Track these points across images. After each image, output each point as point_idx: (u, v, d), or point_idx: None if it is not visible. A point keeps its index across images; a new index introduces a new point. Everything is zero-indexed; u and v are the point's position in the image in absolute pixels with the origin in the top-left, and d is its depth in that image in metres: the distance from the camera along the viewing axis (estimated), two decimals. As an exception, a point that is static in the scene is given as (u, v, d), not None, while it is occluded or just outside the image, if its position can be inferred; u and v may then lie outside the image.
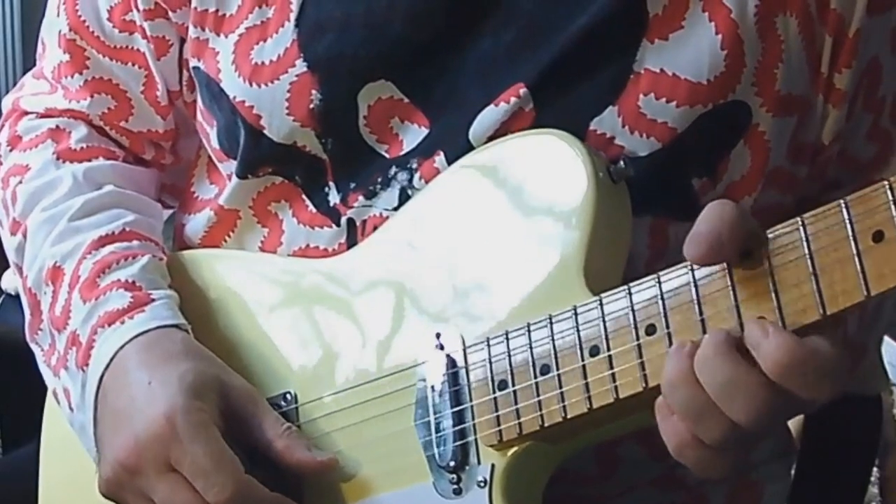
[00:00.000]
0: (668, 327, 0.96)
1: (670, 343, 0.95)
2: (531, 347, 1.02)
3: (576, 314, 1.01)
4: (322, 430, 1.12)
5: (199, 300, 1.21)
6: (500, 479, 1.04)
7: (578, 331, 1.00)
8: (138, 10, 1.25)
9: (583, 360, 1.00)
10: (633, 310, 0.97)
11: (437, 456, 1.06)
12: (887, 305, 1.26)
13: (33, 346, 1.25)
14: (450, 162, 1.12)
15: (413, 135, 1.14)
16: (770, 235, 0.92)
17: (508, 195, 1.08)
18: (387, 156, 1.15)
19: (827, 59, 1.12)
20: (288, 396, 1.14)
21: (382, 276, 1.12)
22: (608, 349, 0.98)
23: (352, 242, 1.16)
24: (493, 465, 1.04)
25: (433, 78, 1.14)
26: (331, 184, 1.17)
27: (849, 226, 0.88)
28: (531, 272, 1.05)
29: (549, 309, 1.02)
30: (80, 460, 1.19)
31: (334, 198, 1.17)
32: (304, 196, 1.19)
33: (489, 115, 1.11)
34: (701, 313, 0.94)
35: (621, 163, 1.06)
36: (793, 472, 1.36)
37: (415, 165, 1.13)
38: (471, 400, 1.05)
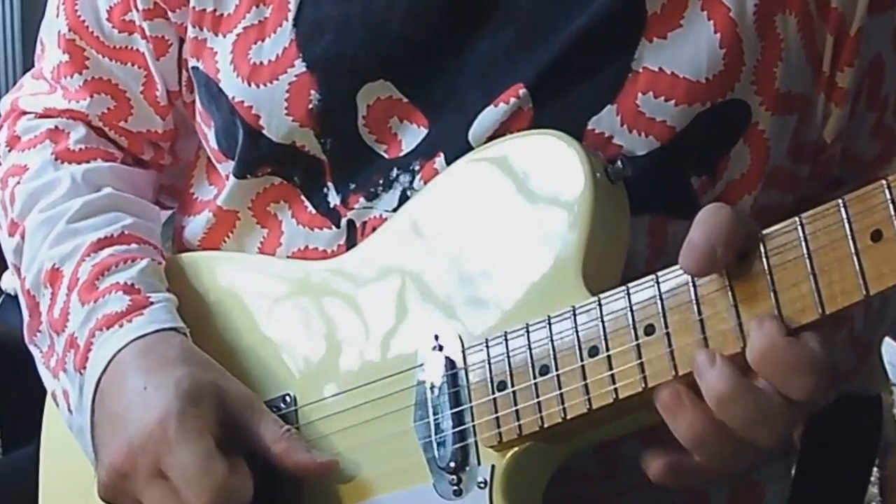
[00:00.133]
0: (666, 327, 0.96)
1: (669, 343, 0.95)
2: (530, 348, 1.02)
3: (574, 315, 1.00)
4: (321, 431, 1.12)
5: (198, 303, 1.21)
6: (501, 480, 1.04)
7: (577, 331, 1.00)
8: (137, 11, 1.25)
9: (582, 360, 0.99)
10: (631, 310, 0.97)
11: (437, 457, 1.06)
12: (893, 302, 1.26)
13: (32, 348, 1.25)
14: (449, 163, 1.12)
15: (412, 135, 1.14)
16: (768, 235, 0.92)
17: (506, 196, 1.08)
18: (386, 156, 1.15)
19: (828, 57, 1.12)
20: (287, 398, 1.14)
21: (381, 278, 1.12)
22: (607, 350, 0.98)
23: (351, 244, 1.16)
24: (493, 466, 1.04)
25: (432, 78, 1.14)
26: (329, 184, 1.17)
27: (847, 225, 0.88)
28: (529, 273, 1.05)
29: (547, 310, 1.02)
30: (79, 461, 1.19)
31: (334, 199, 1.17)
32: (302, 197, 1.19)
33: (488, 116, 1.11)
34: (700, 313, 0.94)
35: (619, 163, 1.06)
36: (793, 472, 1.36)
37: (417, 167, 1.13)
38: (470, 401, 1.05)
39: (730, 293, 0.93)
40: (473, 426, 1.04)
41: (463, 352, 1.06)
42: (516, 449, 1.04)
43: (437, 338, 1.07)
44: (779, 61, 1.11)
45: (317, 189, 1.18)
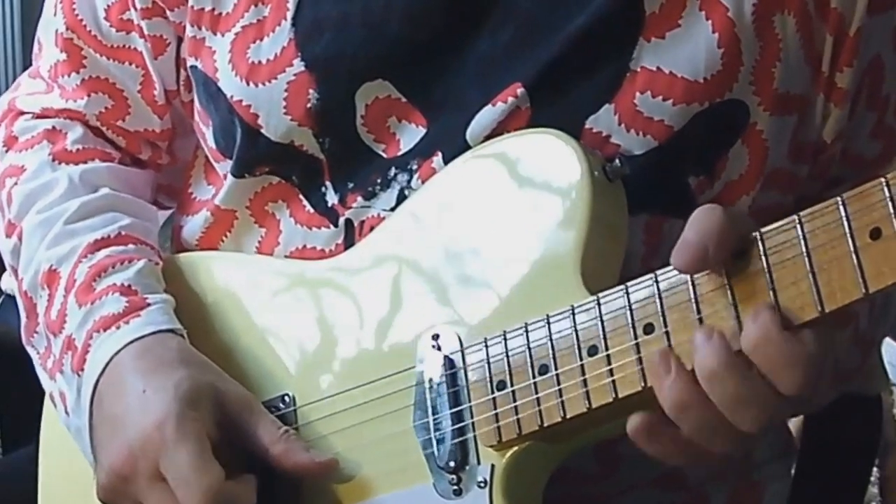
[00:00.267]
0: (665, 326, 0.96)
1: (668, 342, 0.95)
2: (529, 347, 1.02)
3: (573, 314, 1.00)
4: (321, 432, 1.12)
5: (196, 303, 1.21)
6: (500, 479, 1.04)
7: (576, 330, 1.00)
8: (136, 9, 1.25)
9: (581, 359, 0.99)
10: (630, 309, 0.97)
11: (436, 456, 1.06)
12: (895, 300, 1.26)
13: (29, 349, 1.25)
14: (447, 162, 1.11)
15: (411, 134, 1.14)
16: (767, 233, 0.92)
17: (504, 195, 1.08)
18: (384, 155, 1.15)
19: (828, 57, 1.12)
20: (286, 398, 1.14)
21: (379, 278, 1.12)
22: (606, 348, 0.98)
23: (349, 243, 1.16)
24: (492, 466, 1.04)
25: (431, 77, 1.14)
26: (328, 184, 1.17)
27: (846, 223, 0.88)
28: (528, 272, 1.05)
29: (546, 309, 1.02)
30: (78, 462, 1.19)
31: (332, 198, 1.17)
32: (301, 196, 1.19)
33: (486, 115, 1.11)
34: (698, 312, 0.94)
35: (617, 161, 1.06)
36: (793, 472, 1.36)
37: (415, 167, 1.13)
38: (469, 400, 1.05)
39: (729, 292, 0.93)
40: (473, 425, 1.04)
41: (462, 351, 1.06)
42: (516, 448, 1.03)
43: (435, 337, 1.07)
44: (777, 61, 1.10)
45: (315, 188, 1.18)
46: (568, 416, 1.00)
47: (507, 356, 1.03)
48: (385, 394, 1.09)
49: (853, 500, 1.42)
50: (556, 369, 1.00)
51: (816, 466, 1.36)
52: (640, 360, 0.96)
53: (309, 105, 1.15)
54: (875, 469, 1.75)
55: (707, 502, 1.24)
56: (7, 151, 1.31)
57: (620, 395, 0.97)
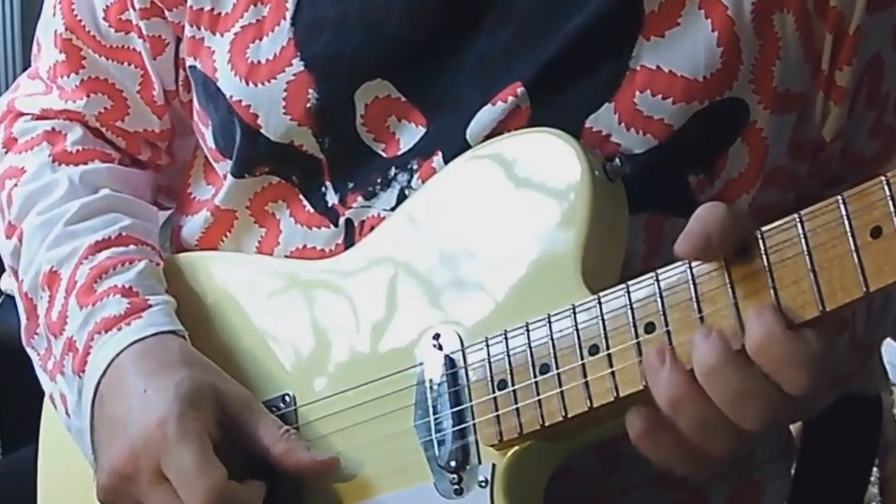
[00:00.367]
0: (666, 325, 0.95)
1: (669, 341, 0.95)
2: (530, 347, 1.02)
3: (574, 313, 1.00)
4: (321, 431, 1.12)
5: (197, 304, 1.21)
6: (502, 479, 1.04)
7: (577, 329, 1.00)
8: (134, 10, 1.25)
9: (582, 358, 0.99)
10: (631, 308, 0.97)
11: (437, 456, 1.06)
12: (894, 302, 1.26)
13: (30, 351, 1.25)
14: (447, 162, 1.11)
15: (410, 134, 1.14)
16: (768, 232, 0.92)
17: (504, 194, 1.08)
18: (384, 155, 1.15)
19: (827, 56, 1.12)
20: (287, 398, 1.14)
21: (380, 278, 1.12)
22: (607, 347, 0.98)
23: (349, 243, 1.16)
24: (493, 465, 1.04)
25: (430, 77, 1.14)
26: (327, 184, 1.17)
27: (847, 222, 0.88)
28: (529, 271, 1.05)
29: (547, 308, 1.02)
30: (78, 462, 1.19)
31: (332, 198, 1.17)
32: (301, 196, 1.19)
33: (486, 115, 1.11)
34: (700, 311, 0.94)
35: (617, 160, 1.06)
36: (793, 471, 1.36)
37: (415, 166, 1.13)
38: (470, 400, 1.05)
39: (730, 290, 0.93)
40: (474, 425, 1.04)
41: (463, 350, 1.06)
42: (517, 447, 1.03)
43: (436, 336, 1.07)
44: (777, 60, 1.11)
45: (315, 188, 1.18)
46: (569, 416, 1.00)
47: (509, 355, 1.03)
48: (385, 393, 1.09)
49: (853, 500, 1.42)
50: (557, 368, 1.00)
51: (816, 466, 1.36)
52: (641, 360, 0.96)
53: (308, 105, 1.15)
54: (875, 469, 1.75)
55: (707, 502, 1.24)
56: (7, 153, 1.31)
57: (622, 395, 0.97)
